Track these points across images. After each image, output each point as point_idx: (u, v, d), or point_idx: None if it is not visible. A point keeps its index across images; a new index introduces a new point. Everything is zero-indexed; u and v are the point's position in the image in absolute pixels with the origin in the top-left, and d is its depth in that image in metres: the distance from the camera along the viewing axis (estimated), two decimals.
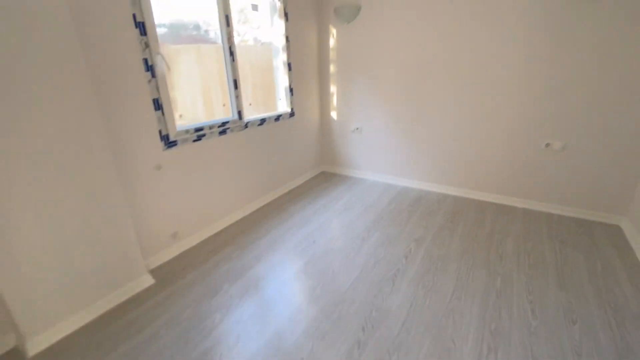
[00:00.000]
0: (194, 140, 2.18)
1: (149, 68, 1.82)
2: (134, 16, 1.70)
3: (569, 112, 2.41)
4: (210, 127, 2.29)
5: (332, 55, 3.31)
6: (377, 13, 2.91)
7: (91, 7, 1.54)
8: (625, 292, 1.77)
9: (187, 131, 2.12)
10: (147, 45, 1.78)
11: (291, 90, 3.05)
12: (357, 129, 3.43)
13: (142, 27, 1.75)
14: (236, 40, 2.36)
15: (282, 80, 2.98)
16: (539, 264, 2.04)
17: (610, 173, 2.42)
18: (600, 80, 2.26)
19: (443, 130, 2.95)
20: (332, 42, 3.27)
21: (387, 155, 3.35)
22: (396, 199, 3.02)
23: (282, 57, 2.90)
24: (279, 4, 2.71)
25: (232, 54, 2.34)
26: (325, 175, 3.69)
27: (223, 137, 2.41)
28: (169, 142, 2.01)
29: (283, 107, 3.08)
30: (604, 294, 1.76)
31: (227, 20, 2.25)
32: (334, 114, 3.55)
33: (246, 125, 2.59)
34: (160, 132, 1.95)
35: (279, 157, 3.03)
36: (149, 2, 1.75)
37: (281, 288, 1.87)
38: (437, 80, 2.83)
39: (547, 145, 2.57)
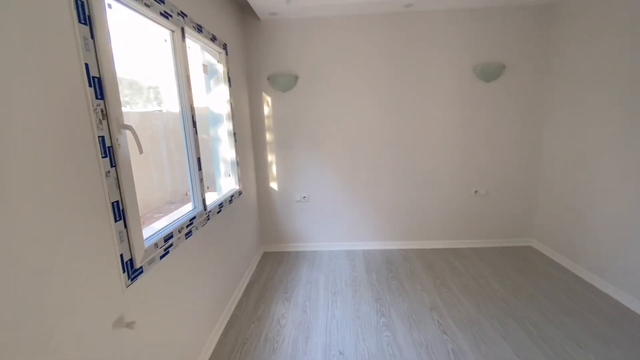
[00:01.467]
0: (162, 257, 1.36)
1: (107, 151, 1.05)
2: (87, 68, 0.97)
3: (487, 166, 3.00)
4: (180, 229, 1.51)
5: (268, 123, 3.01)
6: (317, 83, 2.89)
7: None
8: (558, 280, 2.18)
9: (156, 244, 1.30)
10: (104, 114, 1.04)
11: (238, 163, 2.50)
12: (304, 197, 3.13)
13: (98, 86, 1.01)
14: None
15: (228, 153, 2.42)
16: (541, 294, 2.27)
17: (517, 208, 3.09)
18: (497, 139, 2.95)
19: (392, 190, 3.08)
20: (266, 110, 2.98)
21: (339, 221, 3.17)
22: (371, 266, 2.82)
23: (227, 127, 2.38)
24: (222, 68, 2.27)
25: (194, 124, 1.71)
26: (271, 257, 3.10)
27: (189, 240, 1.63)
28: (134, 271, 1.16)
29: (230, 184, 2.46)
30: (545, 285, 2.10)
31: (187, 82, 1.65)
32: (274, 185, 3.14)
33: (208, 217, 1.88)
34: (122, 257, 1.10)
35: (229, 251, 2.32)
36: (109, 45, 1.06)
37: None
38: (381, 145, 2.98)
39: (476, 192, 3.07)
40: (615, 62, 2.16)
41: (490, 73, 2.77)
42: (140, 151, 1.13)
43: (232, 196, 2.32)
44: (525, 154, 2.97)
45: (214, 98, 2.31)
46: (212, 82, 2.29)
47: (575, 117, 2.54)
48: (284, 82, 2.85)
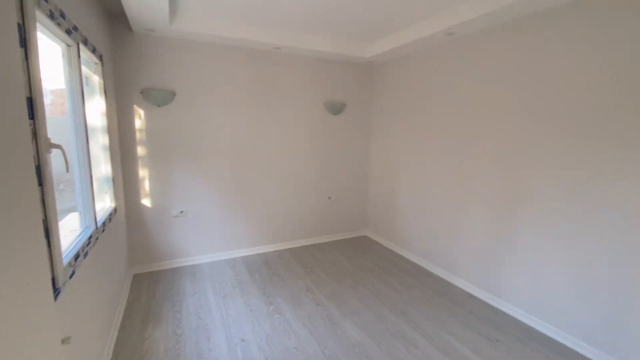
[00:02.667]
0: (71, 276, 1.33)
1: (36, 170, 1.06)
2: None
3: (336, 177, 3.93)
4: (84, 247, 1.46)
5: (140, 137, 2.91)
6: (195, 100, 3.05)
7: None
8: (387, 257, 3.33)
9: (70, 263, 1.28)
10: (34, 134, 1.05)
11: (113, 179, 2.37)
12: (182, 212, 3.16)
13: (30, 106, 1.03)
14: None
15: (103, 168, 2.27)
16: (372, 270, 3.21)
17: (356, 208, 4.18)
18: (342, 157, 3.95)
19: (266, 199, 3.55)
20: (138, 123, 2.88)
21: (218, 232, 3.36)
22: (252, 268, 3.17)
23: (102, 140, 2.24)
24: (98, 79, 2.16)
25: (87, 139, 1.65)
26: (145, 278, 2.95)
27: (87, 260, 1.57)
28: (56, 289, 1.15)
29: (105, 202, 2.30)
30: (384, 264, 3.21)
31: (81, 96, 1.61)
32: (146, 202, 3.02)
33: (97, 237, 1.80)
34: (52, 274, 1.10)
35: (109, 274, 2.19)
36: (39, 66, 1.08)
37: None
38: (254, 160, 3.42)
39: (329, 198, 3.95)
40: (408, 103, 3.43)
41: (336, 108, 3.70)
42: (67, 169, 1.16)
43: (110, 214, 2.20)
44: (361, 167, 4.08)
45: (89, 110, 2.15)
46: (86, 94, 2.13)
47: (388, 139, 3.76)
48: (159, 97, 2.86)
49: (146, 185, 2.99)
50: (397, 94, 3.55)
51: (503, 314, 2.46)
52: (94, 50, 1.97)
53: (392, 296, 2.69)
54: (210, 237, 3.33)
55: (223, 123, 3.20)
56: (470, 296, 2.71)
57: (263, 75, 3.31)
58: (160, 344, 2.05)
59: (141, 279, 2.92)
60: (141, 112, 2.88)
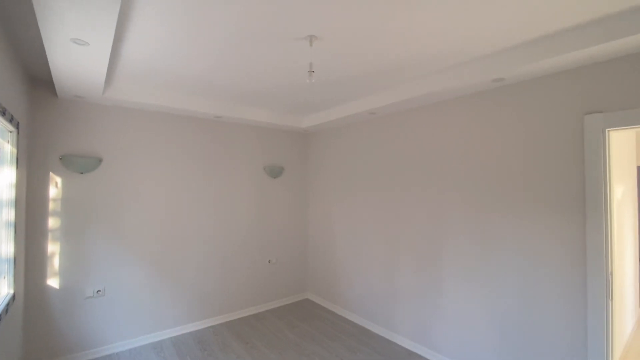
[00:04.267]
0: None
1: None
2: None
3: (276, 240, 3.92)
4: None
5: (54, 207, 2.59)
6: (125, 168, 2.89)
7: None
8: (330, 320, 3.32)
9: None
10: None
11: (15, 261, 2.01)
12: (98, 291, 2.75)
13: None
14: None
15: (3, 248, 1.93)
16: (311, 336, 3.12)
17: (296, 271, 4.15)
18: (282, 220, 4.01)
19: (199, 271, 3.32)
20: (53, 192, 2.58)
21: (142, 312, 2.97)
22: (183, 351, 2.80)
23: (7, 216, 1.95)
24: (10, 148, 1.95)
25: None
26: None
27: None
28: None
29: (2, 289, 1.91)
30: (329, 327, 3.18)
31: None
32: (53, 283, 2.57)
33: None
34: None
35: None
36: None
37: None
38: (188, 230, 3.26)
39: (269, 261, 3.87)
40: (339, 170, 3.74)
41: (275, 172, 3.85)
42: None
43: (7, 304, 1.83)
44: (300, 229, 4.16)
45: None
46: None
47: (323, 202, 3.97)
48: (82, 163, 2.66)
49: (55, 262, 2.58)
50: (329, 160, 3.88)
51: None
52: (11, 119, 1.82)
53: None
54: (132, 319, 2.91)
55: (155, 190, 3.05)
56: (411, 353, 2.80)
57: (202, 141, 3.34)
58: None
59: None
60: (58, 180, 2.60)
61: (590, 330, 1.88)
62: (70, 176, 2.65)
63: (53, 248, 2.58)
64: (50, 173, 2.57)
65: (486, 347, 2.34)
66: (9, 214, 1.95)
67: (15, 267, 2.02)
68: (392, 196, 3.09)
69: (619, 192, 2.79)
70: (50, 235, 2.56)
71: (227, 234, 3.51)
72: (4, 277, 1.92)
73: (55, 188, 2.59)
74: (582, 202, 1.93)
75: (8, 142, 1.93)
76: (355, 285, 3.48)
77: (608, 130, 1.90)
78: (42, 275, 2.53)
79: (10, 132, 1.93)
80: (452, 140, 2.60)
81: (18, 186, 2.08)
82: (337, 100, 3.12)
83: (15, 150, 1.97)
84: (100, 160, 2.76)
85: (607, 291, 1.84)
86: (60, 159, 2.59)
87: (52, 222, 2.57)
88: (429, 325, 2.73)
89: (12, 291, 1.96)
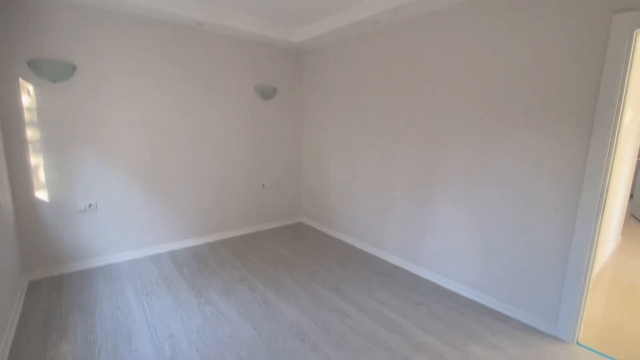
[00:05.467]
0: None
1: None
2: None
3: (270, 164, 3.86)
4: None
5: (30, 117, 2.44)
6: (104, 77, 2.67)
7: None
8: (324, 242, 3.46)
9: None
10: None
11: None
12: (90, 205, 2.76)
13: None
14: None
15: None
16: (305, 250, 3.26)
17: (290, 195, 4.18)
18: (275, 144, 3.89)
19: (193, 189, 3.31)
20: (27, 101, 2.41)
21: (138, 226, 3.03)
22: (180, 263, 2.94)
23: None
24: None
25: None
26: (45, 284, 2.51)
27: None
28: None
29: None
30: (321, 248, 3.32)
31: None
32: (42, 195, 2.56)
33: None
34: None
35: None
36: None
37: None
38: (179, 147, 3.15)
39: (263, 185, 3.87)
40: (335, 90, 3.52)
41: (267, 93, 3.62)
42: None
43: None
44: (294, 153, 4.08)
45: None
46: None
47: (318, 125, 3.82)
48: (54, 70, 2.43)
49: (40, 175, 2.53)
50: (325, 81, 3.61)
51: (423, 280, 2.73)
52: None
53: (326, 276, 2.77)
54: (128, 233, 2.98)
55: (141, 104, 2.87)
56: (396, 267, 2.95)
57: (188, 54, 3.05)
58: (68, 355, 1.77)
59: (39, 286, 2.48)
60: (30, 87, 2.40)
61: (575, 244, 1.90)
62: (44, 85, 2.45)
63: (36, 161, 2.50)
64: (20, 80, 2.37)
65: (470, 259, 2.44)
66: None
67: None
68: (389, 117, 2.93)
69: (628, 115, 2.64)
70: (30, 147, 2.46)
71: (219, 156, 3.43)
72: None
73: (28, 97, 2.41)
74: (591, 112, 1.79)
75: None
76: (348, 207, 3.53)
77: (637, 33, 1.68)
78: (29, 188, 2.49)
79: None
80: (458, 51, 2.35)
81: None
82: (335, 6, 2.75)
83: None
84: (73, 68, 2.52)
85: (599, 207, 1.82)
86: (29, 63, 2.36)
87: (31, 134, 2.45)
88: (416, 243, 2.82)
89: None
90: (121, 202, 2.90)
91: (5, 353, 1.74)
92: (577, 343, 1.97)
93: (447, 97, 2.46)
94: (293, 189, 4.17)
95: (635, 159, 3.82)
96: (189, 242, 3.37)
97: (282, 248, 3.37)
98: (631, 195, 5.43)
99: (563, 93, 1.89)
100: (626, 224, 4.75)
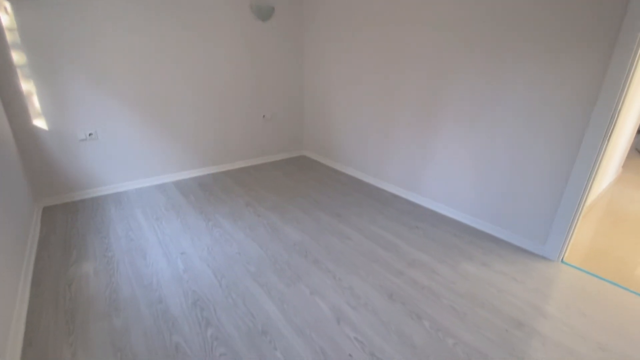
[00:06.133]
0: None
1: None
2: None
3: (270, 95, 3.71)
4: None
5: (12, 39, 2.28)
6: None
7: None
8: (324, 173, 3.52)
9: None
10: None
11: None
12: (91, 135, 2.74)
13: None
14: None
15: None
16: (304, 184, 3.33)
17: (292, 127, 4.11)
18: (275, 72, 3.70)
19: (194, 121, 3.25)
20: (5, 20, 2.22)
21: (142, 157, 3.05)
22: (186, 191, 3.03)
23: None
24: None
25: None
26: (59, 210, 2.63)
27: None
28: None
29: None
30: (324, 179, 3.39)
31: None
32: (40, 123, 2.52)
33: None
34: None
35: None
36: None
37: None
38: (178, 78, 3.00)
39: (264, 116, 3.78)
40: (338, 16, 3.22)
41: (264, 13, 3.31)
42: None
43: None
44: (295, 83, 3.90)
45: None
46: None
47: (320, 54, 3.59)
48: None
49: (35, 102, 2.46)
50: (328, 5, 3.27)
51: (421, 207, 2.83)
52: None
53: (329, 203, 2.87)
54: (133, 162, 3.02)
55: (135, 31, 2.65)
56: (395, 196, 3.04)
57: None
58: (89, 268, 1.93)
59: (53, 211, 2.60)
60: (6, 4, 2.20)
61: (575, 171, 1.91)
62: (22, 1, 2.23)
63: (27, 87, 2.40)
64: None
65: (468, 187, 2.49)
66: None
67: None
68: (396, 45, 2.71)
69: None
70: (19, 72, 2.35)
71: (217, 85, 3.28)
72: None
73: (6, 14, 2.21)
74: (615, 30, 1.64)
75: None
76: (351, 140, 3.49)
77: None
78: (25, 116, 2.44)
79: None
80: None
81: None
82: None
83: None
84: None
85: (607, 131, 1.77)
86: None
87: (17, 58, 2.32)
88: (417, 173, 2.85)
89: None
90: (121, 132, 2.87)
91: (30, 268, 1.89)
92: (562, 261, 2.10)
93: (454, 22, 2.24)
94: (295, 122, 4.09)
95: None
96: (193, 173, 3.42)
97: (285, 178, 3.44)
98: (639, 130, 5.30)
99: (586, 9, 1.70)
100: (629, 157, 4.74)
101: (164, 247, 2.16)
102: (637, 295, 1.81)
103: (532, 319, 1.63)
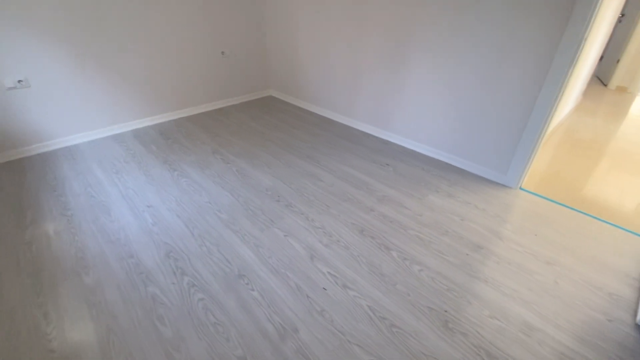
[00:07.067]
0: None
1: None
2: None
3: (224, 29, 3.31)
4: None
5: None
6: None
7: None
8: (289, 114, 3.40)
9: None
10: None
11: None
12: (20, 82, 2.38)
13: None
14: None
15: None
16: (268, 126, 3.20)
17: (256, 66, 3.79)
18: (234, 7, 3.26)
19: (147, 62, 2.88)
20: None
21: (91, 104, 2.74)
22: (146, 140, 2.82)
23: None
24: None
25: None
26: (1, 172, 2.39)
27: None
28: None
29: None
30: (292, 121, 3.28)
31: None
32: None
33: None
34: None
35: None
36: None
37: None
38: (124, 10, 2.55)
39: (223, 52, 3.43)
40: None
41: None
42: None
43: None
44: (253, 13, 3.48)
45: None
46: None
47: None
48: None
49: None
50: None
51: (392, 144, 2.84)
52: None
53: (299, 145, 2.80)
54: (80, 112, 2.71)
55: None
56: (366, 135, 3.01)
57: None
58: (49, 229, 1.83)
59: None
60: None
61: (539, 101, 1.92)
62: None
63: None
64: None
65: (437, 122, 2.48)
66: None
67: None
68: None
69: None
70: None
71: (172, 24, 2.86)
72: None
73: None
74: None
75: None
76: (319, 78, 3.29)
77: None
78: None
79: None
80: None
81: None
82: None
83: None
84: None
85: (573, 58, 1.75)
86: None
87: None
88: (387, 110, 2.79)
89: None
90: (60, 78, 2.51)
91: None
92: (520, 188, 2.25)
93: None
94: (258, 60, 3.76)
95: (617, 17, 3.60)
96: (153, 120, 3.16)
97: (252, 122, 3.27)
98: (601, 58, 5.40)
99: None
100: (590, 85, 4.89)
101: (129, 201, 2.06)
102: (583, 215, 2.00)
103: (490, 242, 1.77)
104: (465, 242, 1.77)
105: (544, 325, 1.33)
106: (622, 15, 4.45)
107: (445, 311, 1.39)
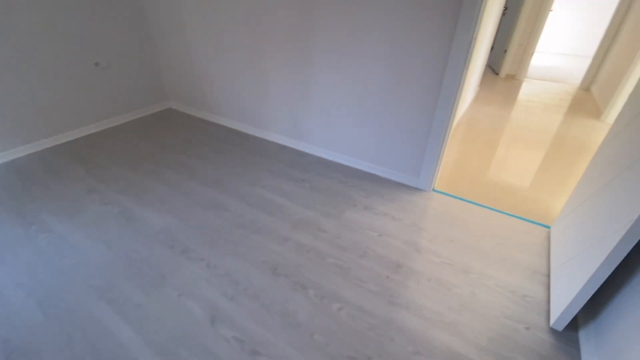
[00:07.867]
0: None
1: None
2: None
3: (100, 34, 2.72)
4: None
5: None
6: None
7: None
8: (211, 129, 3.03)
9: None
10: None
11: None
12: None
13: None
14: None
15: None
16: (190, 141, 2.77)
17: (146, 77, 3.25)
18: (102, 4, 2.69)
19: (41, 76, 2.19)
20: None
21: None
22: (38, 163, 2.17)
23: None
24: None
25: None
26: None
27: None
28: None
29: None
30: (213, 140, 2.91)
31: None
32: None
33: None
34: None
35: None
36: None
37: None
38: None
39: (97, 64, 2.83)
40: None
41: None
42: None
43: None
44: (134, 20, 2.94)
45: None
46: None
47: None
48: None
49: None
50: None
51: (308, 155, 2.64)
52: None
53: (202, 168, 2.43)
54: None
55: None
56: (281, 147, 2.77)
57: None
58: None
59: None
60: None
61: (441, 99, 1.89)
62: None
63: None
64: None
65: (349, 128, 2.35)
66: None
67: None
68: None
69: None
70: None
71: (23, 22, 2.20)
72: None
73: None
74: None
75: None
76: (225, 89, 2.93)
77: None
78: None
79: None
80: None
81: None
82: None
83: None
84: None
85: (466, 59, 1.73)
86: None
87: None
88: (299, 120, 2.58)
89: None
90: None
91: None
92: (433, 189, 2.24)
93: None
94: (148, 68, 3.22)
95: (502, 10, 3.93)
96: (6, 157, 2.47)
97: (144, 143, 2.78)
98: (492, 47, 5.99)
99: None
100: (484, 75, 5.36)
101: None
102: (488, 210, 2.06)
103: (408, 257, 1.69)
104: (384, 262, 1.65)
105: (467, 350, 1.26)
106: (506, 8, 4.92)
107: (369, 358, 1.23)
